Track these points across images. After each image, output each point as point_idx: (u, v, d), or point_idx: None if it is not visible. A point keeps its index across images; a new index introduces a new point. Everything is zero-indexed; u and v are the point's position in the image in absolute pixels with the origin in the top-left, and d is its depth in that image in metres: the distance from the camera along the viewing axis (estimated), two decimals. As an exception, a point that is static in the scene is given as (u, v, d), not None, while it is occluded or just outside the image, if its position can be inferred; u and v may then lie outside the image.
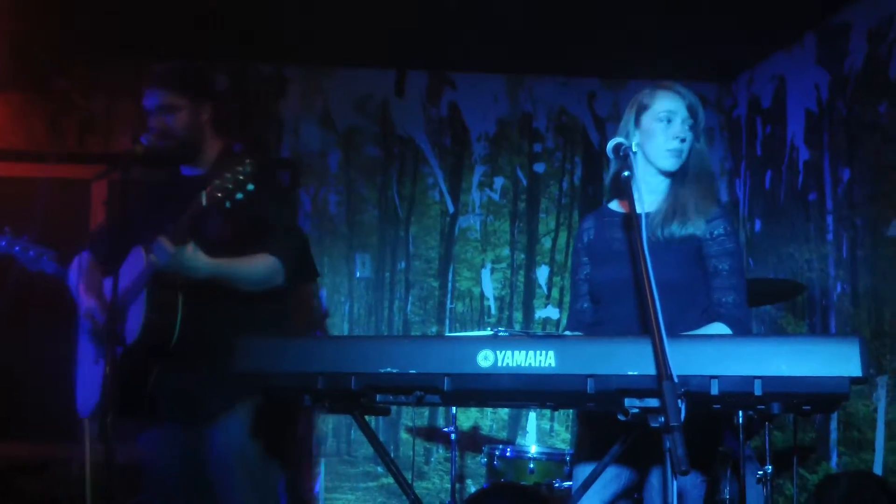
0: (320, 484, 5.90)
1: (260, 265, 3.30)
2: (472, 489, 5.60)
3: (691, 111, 2.87)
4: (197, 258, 3.09)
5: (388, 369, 2.33)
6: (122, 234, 3.39)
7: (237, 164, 2.93)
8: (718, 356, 2.19)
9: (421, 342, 2.47)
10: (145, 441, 3.37)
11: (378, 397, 2.43)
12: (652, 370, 2.15)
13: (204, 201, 2.96)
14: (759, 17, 5.25)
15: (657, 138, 2.85)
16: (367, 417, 2.67)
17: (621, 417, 2.22)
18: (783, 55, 5.79)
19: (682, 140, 2.85)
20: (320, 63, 6.13)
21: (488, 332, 2.47)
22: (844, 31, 5.20)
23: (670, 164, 2.87)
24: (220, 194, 2.93)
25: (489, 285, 6.20)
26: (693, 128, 2.88)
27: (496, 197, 6.28)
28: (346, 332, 6.01)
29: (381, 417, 5.56)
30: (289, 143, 6.15)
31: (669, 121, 2.85)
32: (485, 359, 2.28)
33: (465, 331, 6.02)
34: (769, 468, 3.96)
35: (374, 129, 6.23)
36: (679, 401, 2.07)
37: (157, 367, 3.22)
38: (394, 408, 5.70)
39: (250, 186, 2.93)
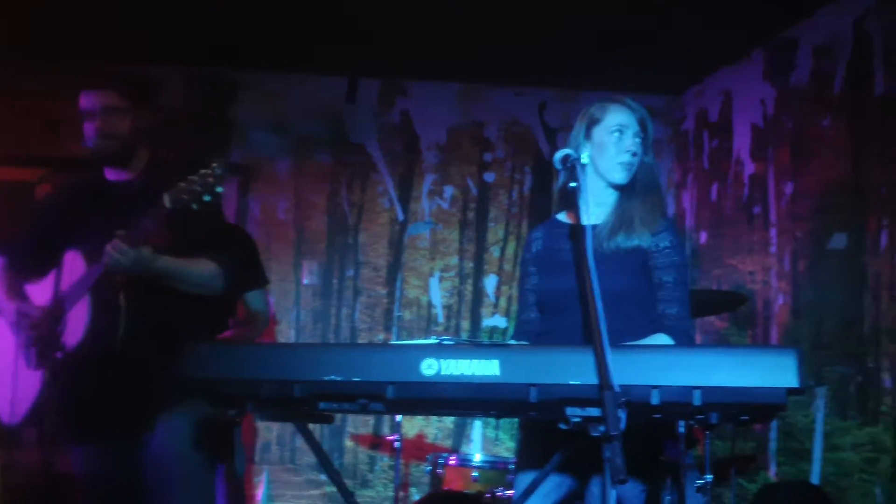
0: (263, 492, 5.86)
1: (201, 268, 3.28)
2: (416, 497, 5.60)
3: (642, 125, 2.90)
4: (154, 259, 3.08)
5: (332, 377, 2.31)
6: (40, 238, 3.36)
7: (204, 167, 2.94)
8: (659, 366, 2.21)
9: (365, 350, 2.46)
10: (82, 447, 3.32)
11: (321, 405, 2.42)
12: (594, 380, 2.16)
13: (168, 203, 2.95)
14: (708, 31, 5.33)
15: (608, 151, 2.88)
16: (310, 425, 2.66)
17: (563, 426, 2.23)
18: (731, 70, 5.88)
19: (634, 154, 2.88)
20: (272, 69, 6.10)
21: (433, 340, 2.47)
22: (791, 47, 5.30)
23: (621, 176, 2.89)
24: (186, 196, 2.92)
25: (437, 293, 6.21)
26: (643, 141, 2.91)
27: (446, 205, 6.29)
28: (292, 339, 5.99)
29: (325, 425, 5.57)
30: (238, 149, 6.11)
31: (621, 134, 2.88)
32: (429, 367, 2.28)
33: (413, 339, 6.02)
34: (709, 477, 4.01)
35: (324, 136, 6.21)
36: (620, 410, 2.08)
37: (99, 371, 3.19)
38: (338, 415, 5.69)
39: (219, 189, 2.93)
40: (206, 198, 2.93)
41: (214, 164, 2.96)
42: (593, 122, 2.92)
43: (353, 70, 6.18)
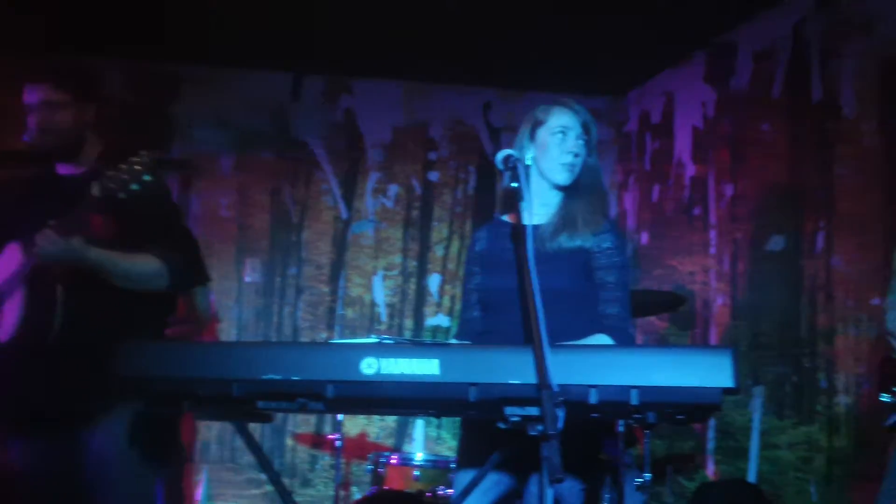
0: (202, 491, 5.80)
1: (144, 264, 3.24)
2: (357, 496, 5.58)
3: (585, 127, 2.93)
4: (86, 249, 3.04)
5: (271, 376, 2.30)
6: None
7: (132, 156, 2.90)
8: (598, 366, 2.23)
9: (304, 349, 2.45)
10: (17, 442, 3.26)
11: (260, 404, 2.40)
12: (533, 379, 2.17)
13: (97, 192, 2.91)
14: (650, 33, 5.37)
15: (551, 152, 2.90)
16: (250, 424, 2.64)
17: (501, 425, 2.24)
18: (673, 72, 5.94)
19: (576, 155, 2.90)
20: (216, 64, 6.04)
21: (373, 339, 2.47)
22: (732, 50, 5.37)
23: (564, 178, 2.92)
24: (113, 185, 2.88)
25: (380, 292, 6.20)
26: (587, 143, 2.93)
27: (390, 204, 6.28)
28: (234, 338, 5.94)
29: (266, 423, 5.53)
30: (181, 145, 6.04)
31: (564, 136, 2.90)
32: (368, 366, 2.27)
33: (355, 337, 6.01)
34: (648, 476, 4.05)
35: (268, 133, 6.17)
36: (558, 409, 2.09)
37: (32, 365, 3.13)
38: (280, 414, 5.65)
39: (146, 177, 2.89)
40: (134, 186, 2.89)
41: (143, 153, 2.92)
42: (537, 124, 2.94)
43: (297, 66, 6.15)
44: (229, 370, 2.32)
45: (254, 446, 2.61)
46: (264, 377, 2.30)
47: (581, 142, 2.91)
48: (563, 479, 2.03)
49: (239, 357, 2.36)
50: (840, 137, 4.49)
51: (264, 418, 2.66)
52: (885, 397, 2.63)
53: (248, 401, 2.37)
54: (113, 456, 3.13)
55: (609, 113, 6.53)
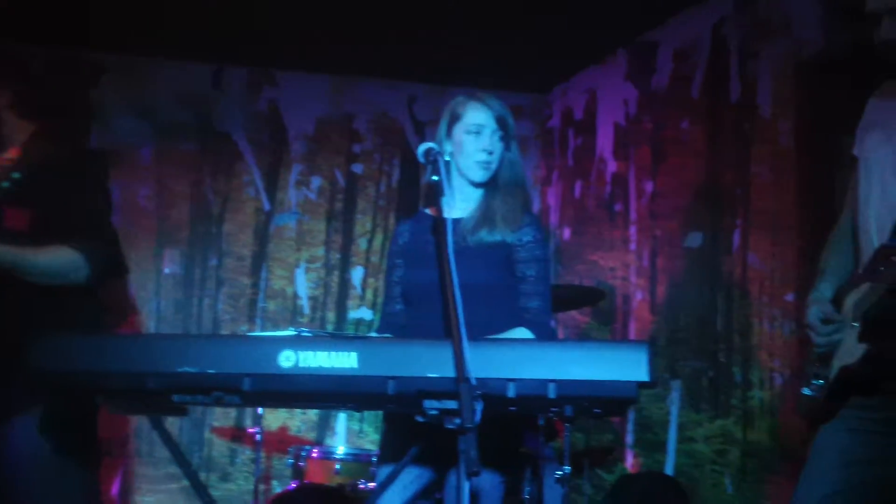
0: (120, 486, 5.71)
1: (58, 257, 3.16)
2: (278, 490, 5.55)
3: (500, 123, 2.93)
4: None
5: (186, 369, 2.27)
6: None
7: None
8: (516, 360, 2.24)
9: (221, 341, 2.43)
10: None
11: (175, 397, 2.37)
12: (452, 372, 2.17)
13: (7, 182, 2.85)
14: (574, 31, 5.42)
15: (467, 150, 2.91)
16: (169, 418, 2.60)
17: (419, 419, 2.24)
18: (596, 69, 6.00)
19: (490, 152, 2.91)
20: (137, 53, 5.93)
21: (291, 331, 2.45)
22: (653, 49, 5.44)
23: (479, 175, 2.93)
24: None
25: (303, 285, 6.16)
26: (503, 139, 2.94)
27: (313, 196, 6.24)
28: (152, 330, 5.84)
29: (185, 417, 5.46)
30: (100, 134, 5.92)
31: (478, 133, 2.91)
32: (286, 359, 2.26)
33: (277, 330, 5.96)
34: (568, 469, 4.10)
35: (189, 123, 6.08)
36: (475, 403, 2.10)
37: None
38: (199, 408, 5.59)
39: (15, 175, 2.83)
40: (15, 175, 2.84)
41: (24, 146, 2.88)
42: (454, 120, 2.95)
43: (219, 57, 6.07)
44: (143, 363, 2.29)
45: (169, 440, 2.58)
46: (179, 370, 2.27)
47: (496, 138, 2.92)
48: (480, 473, 2.04)
49: (153, 350, 2.32)
50: (757, 137, 4.58)
51: (180, 412, 2.63)
52: (806, 391, 2.68)
53: (162, 394, 2.33)
54: (31, 451, 3.06)
55: (533, 109, 6.57)
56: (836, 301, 2.65)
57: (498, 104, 2.95)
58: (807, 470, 2.60)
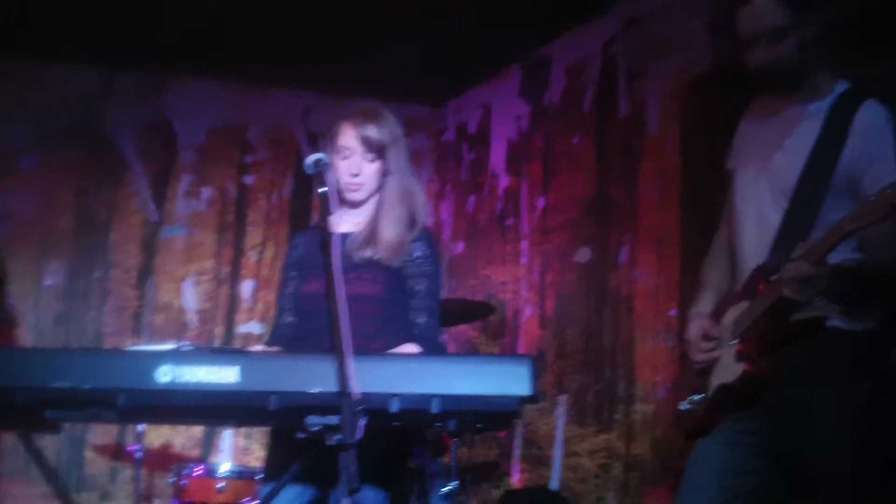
0: (-7, 505, 5.51)
1: None
2: (161, 509, 5.43)
3: (368, 144, 2.89)
4: None
5: (60, 384, 2.20)
6: None
7: None
8: (400, 374, 2.24)
9: (96, 355, 2.37)
10: None
11: (47, 413, 2.29)
12: (335, 387, 2.15)
13: None
14: (468, 45, 5.45)
15: (338, 171, 2.89)
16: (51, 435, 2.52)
17: (300, 435, 2.21)
18: (490, 84, 6.05)
19: (355, 175, 2.88)
20: (21, 57, 5.73)
21: (171, 345, 2.40)
22: (545, 65, 5.51)
23: (350, 196, 2.91)
24: None
25: (191, 298, 6.04)
26: (375, 159, 2.90)
27: (203, 207, 6.13)
28: (31, 344, 5.64)
29: (65, 433, 5.30)
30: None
31: (346, 157, 2.89)
32: (164, 374, 2.21)
33: (163, 344, 5.82)
34: (455, 483, 4.10)
35: (75, 130, 5.91)
36: (359, 418, 2.08)
37: None
38: (79, 424, 5.42)
39: None
40: None
41: None
42: (329, 139, 2.94)
43: (107, 63, 5.91)
44: (13, 377, 2.21)
45: (39, 457, 2.49)
46: (52, 385, 2.19)
47: (367, 160, 2.89)
48: (361, 489, 2.02)
49: (25, 364, 2.25)
50: (645, 153, 4.67)
51: (53, 429, 2.54)
52: (684, 405, 2.74)
53: (34, 410, 2.26)
54: None
55: (428, 122, 6.58)
56: (715, 314, 2.71)
57: (371, 125, 2.90)
58: (684, 483, 2.65)
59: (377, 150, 2.88)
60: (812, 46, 2.56)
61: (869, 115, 2.51)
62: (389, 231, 2.87)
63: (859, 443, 2.42)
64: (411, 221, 2.96)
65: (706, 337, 2.69)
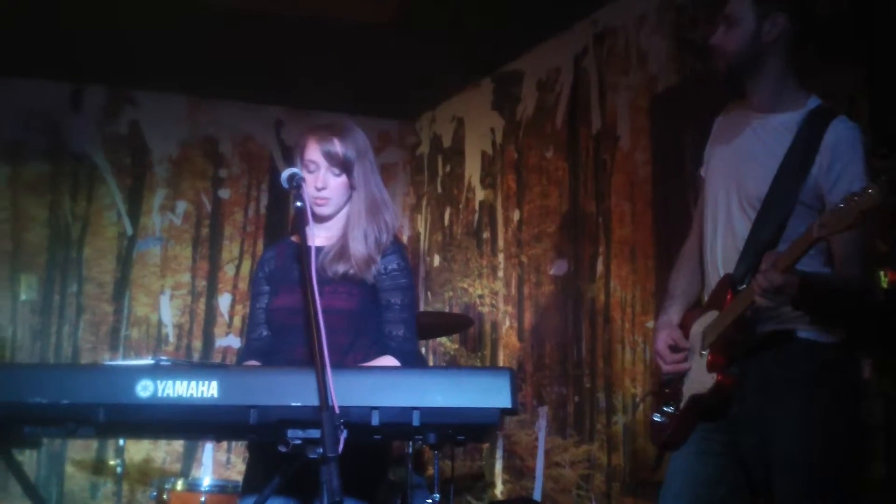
0: (-32, 523, 5.46)
1: None
2: (140, 524, 5.40)
3: (331, 158, 2.89)
4: None
5: (38, 399, 2.19)
6: None
7: None
8: (380, 388, 2.23)
9: (75, 371, 2.35)
10: None
11: (26, 429, 2.28)
12: (315, 401, 2.15)
13: None
14: (441, 59, 5.47)
15: (306, 185, 2.87)
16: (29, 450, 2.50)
17: (281, 449, 2.21)
18: (464, 97, 6.07)
19: (320, 189, 2.88)
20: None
21: (149, 360, 2.39)
22: (518, 79, 5.54)
23: (319, 210, 2.90)
24: None
25: (168, 312, 6.01)
26: (340, 174, 2.90)
27: (178, 221, 6.12)
28: (6, 360, 5.60)
29: (44, 449, 5.25)
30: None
31: (312, 171, 2.88)
32: (144, 389, 2.20)
33: (140, 359, 5.80)
34: (437, 496, 4.10)
35: (46, 144, 5.89)
36: (339, 431, 2.08)
37: None
38: (58, 440, 5.38)
39: None
40: None
41: None
42: (299, 153, 2.93)
43: (77, 76, 5.89)
44: (-8, 394, 2.20)
45: (19, 472, 2.48)
46: (30, 401, 2.18)
47: (332, 174, 2.89)
48: (343, 503, 2.01)
49: (2, 379, 2.24)
50: (617, 166, 4.70)
51: (31, 444, 2.52)
52: (656, 417, 2.75)
53: (12, 426, 2.25)
54: None
55: (402, 135, 6.60)
56: (684, 325, 2.72)
57: (336, 139, 2.89)
58: (662, 493, 2.67)
59: (341, 164, 2.87)
60: (772, 49, 2.59)
61: (839, 131, 2.52)
62: (358, 245, 2.86)
63: (821, 456, 2.44)
64: (381, 236, 2.96)
65: (674, 348, 2.70)
